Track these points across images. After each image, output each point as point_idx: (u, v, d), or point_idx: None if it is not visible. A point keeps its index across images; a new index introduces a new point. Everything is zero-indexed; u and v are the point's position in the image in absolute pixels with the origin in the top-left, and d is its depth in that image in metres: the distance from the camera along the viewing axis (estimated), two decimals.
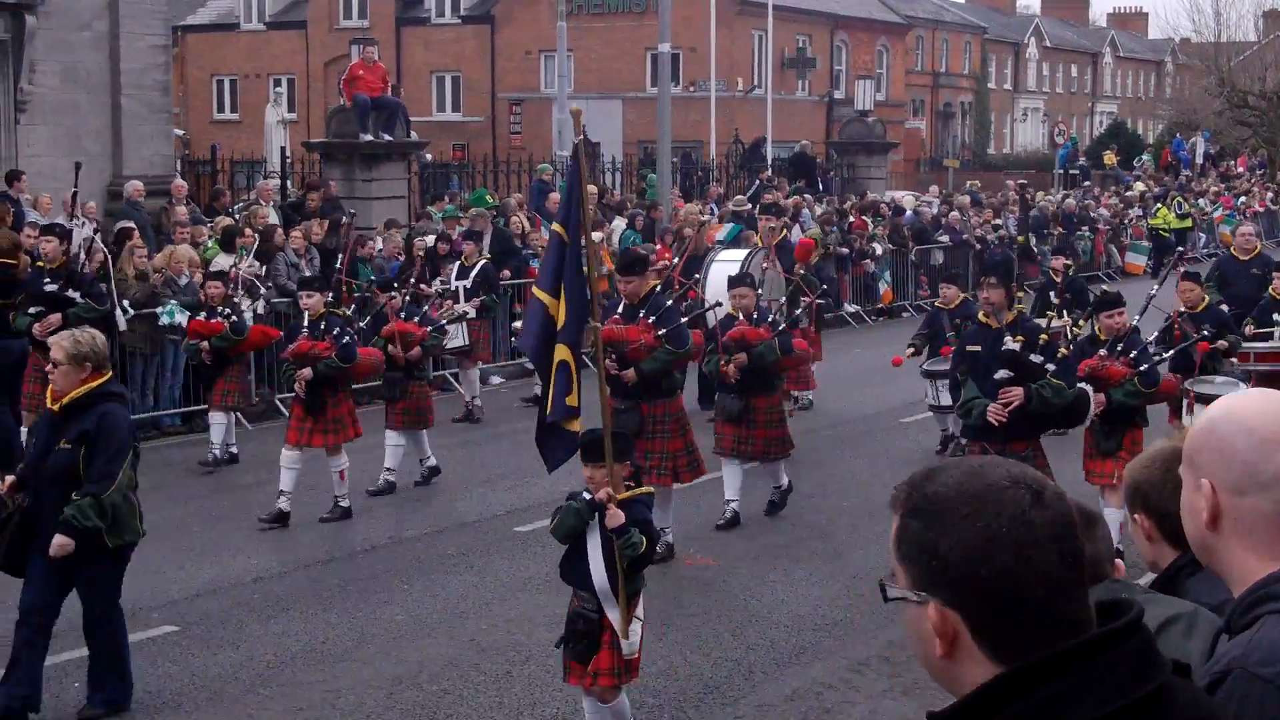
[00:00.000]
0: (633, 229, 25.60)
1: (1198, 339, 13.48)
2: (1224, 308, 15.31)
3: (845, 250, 28.51)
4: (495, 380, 21.29)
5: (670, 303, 12.86)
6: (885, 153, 38.59)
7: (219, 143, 32.38)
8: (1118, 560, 3.87)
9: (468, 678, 9.64)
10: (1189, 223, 40.26)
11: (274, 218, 22.37)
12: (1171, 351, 13.32)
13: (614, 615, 7.97)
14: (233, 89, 59.87)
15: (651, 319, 12.29)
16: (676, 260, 18.69)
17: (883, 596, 2.50)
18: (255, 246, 19.67)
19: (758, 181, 34.62)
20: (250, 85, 57.99)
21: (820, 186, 35.28)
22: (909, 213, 31.79)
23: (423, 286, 18.05)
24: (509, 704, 9.16)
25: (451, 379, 20.61)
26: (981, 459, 2.56)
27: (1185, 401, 12.91)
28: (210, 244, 20.08)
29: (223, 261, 19.20)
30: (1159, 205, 39.95)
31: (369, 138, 25.26)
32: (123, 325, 16.44)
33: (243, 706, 9.16)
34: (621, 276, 12.71)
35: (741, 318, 13.51)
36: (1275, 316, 15.22)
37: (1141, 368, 12.07)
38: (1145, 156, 54.90)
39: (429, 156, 31.39)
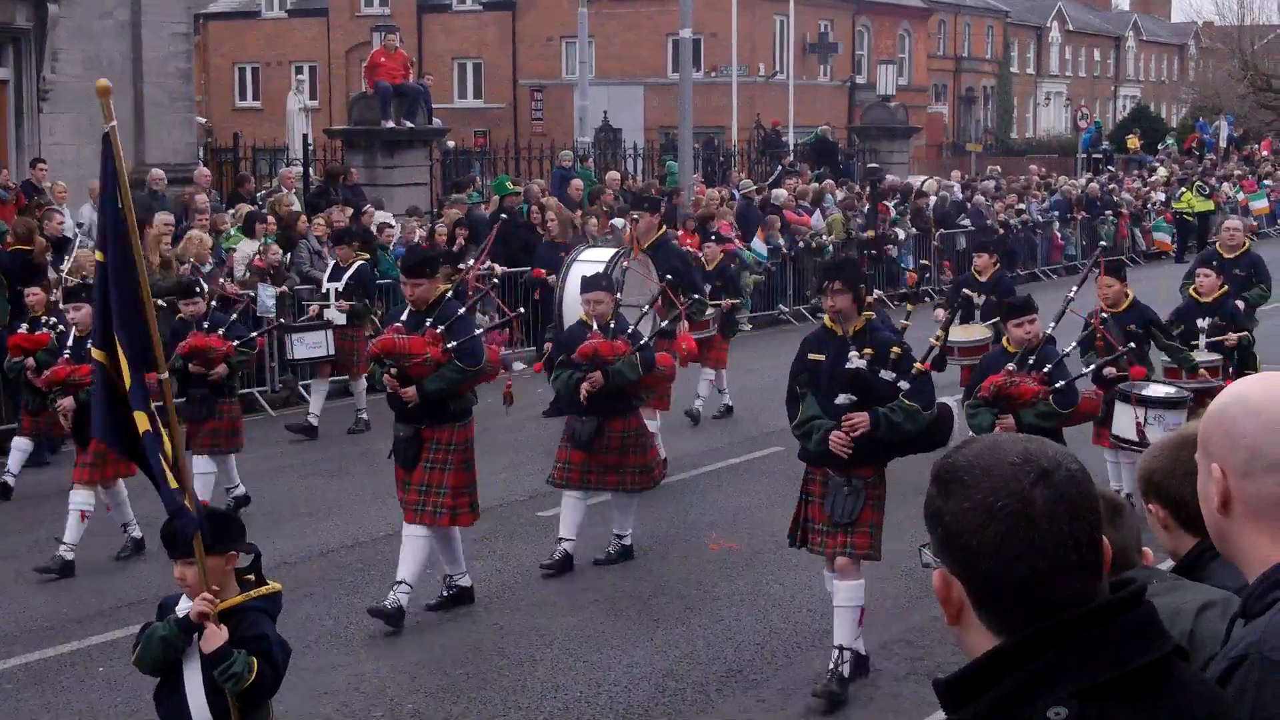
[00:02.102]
0: None
1: (1121, 353, 11.93)
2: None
3: (868, 235, 28.48)
4: (518, 366, 21.27)
5: (464, 310, 10.83)
6: (907, 138, 38.48)
7: (240, 130, 32.43)
8: (1145, 549, 3.87)
9: (491, 662, 9.67)
10: (1211, 205, 40.11)
11: (296, 205, 22.42)
12: (1092, 366, 11.56)
13: None
14: (254, 77, 59.98)
15: (440, 329, 10.46)
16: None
17: (922, 564, 2.60)
18: (274, 233, 19.74)
19: (780, 167, 34.57)
20: (272, 73, 58.10)
21: (842, 172, 35.20)
22: (933, 198, 31.72)
23: (229, 287, 16.92)
24: (532, 688, 9.19)
25: (304, 391, 18.75)
26: (1014, 435, 2.60)
27: (1134, 412, 11.79)
28: (233, 231, 20.15)
29: (246, 248, 19.27)
30: (1183, 189, 39.83)
31: (390, 125, 25.28)
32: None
33: None
34: (406, 279, 10.91)
35: (595, 327, 11.70)
36: (1200, 323, 13.84)
37: (1057, 384, 10.33)
38: (1170, 140, 54.67)
39: (450, 143, 31.39)
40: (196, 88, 29.21)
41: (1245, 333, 14.32)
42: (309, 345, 16.95)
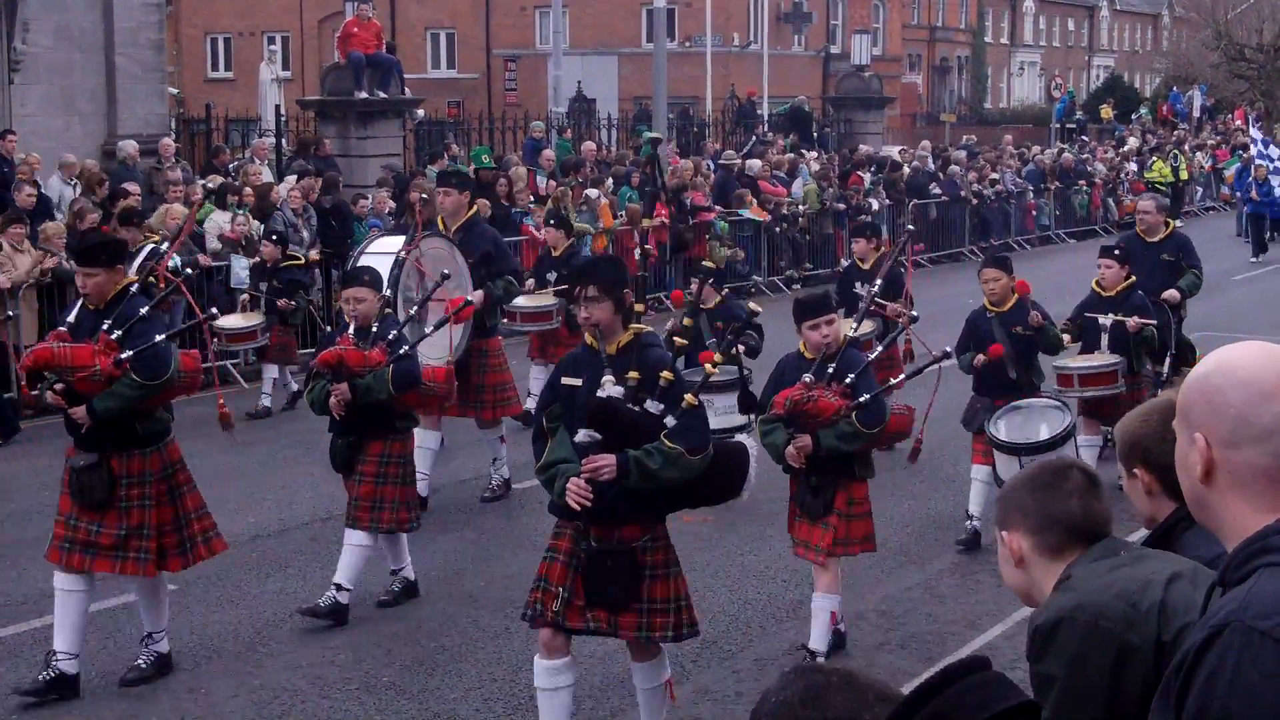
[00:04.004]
0: (629, 186, 25.55)
1: (936, 358, 9.62)
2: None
3: (841, 206, 28.50)
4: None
5: (146, 310, 8.65)
6: (881, 108, 38.46)
7: (213, 101, 32.25)
8: None
9: (466, 634, 9.67)
10: (1186, 175, 40.29)
11: (267, 175, 22.36)
12: (902, 377, 9.95)
13: None
14: (227, 47, 59.57)
15: (116, 334, 8.51)
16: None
17: None
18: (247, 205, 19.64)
19: (754, 138, 34.54)
20: (244, 43, 57.69)
21: (816, 142, 35.20)
22: (906, 169, 31.73)
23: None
24: (507, 659, 9.20)
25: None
26: (835, 682, 2.66)
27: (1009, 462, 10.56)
28: (205, 203, 20.08)
29: (218, 219, 19.21)
30: (1154, 159, 39.96)
31: (364, 95, 25.19)
32: None
33: (242, 664, 9.19)
34: (79, 267, 8.96)
35: (350, 330, 9.94)
36: (1103, 320, 12.50)
37: (861, 398, 8.69)
38: (1143, 110, 54.82)
39: (422, 114, 31.28)
40: (168, 58, 29.05)
41: (1152, 323, 12.50)
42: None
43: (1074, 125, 49.15)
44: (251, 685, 8.85)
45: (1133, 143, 43.31)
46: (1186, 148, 43.05)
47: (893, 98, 44.78)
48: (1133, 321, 12.36)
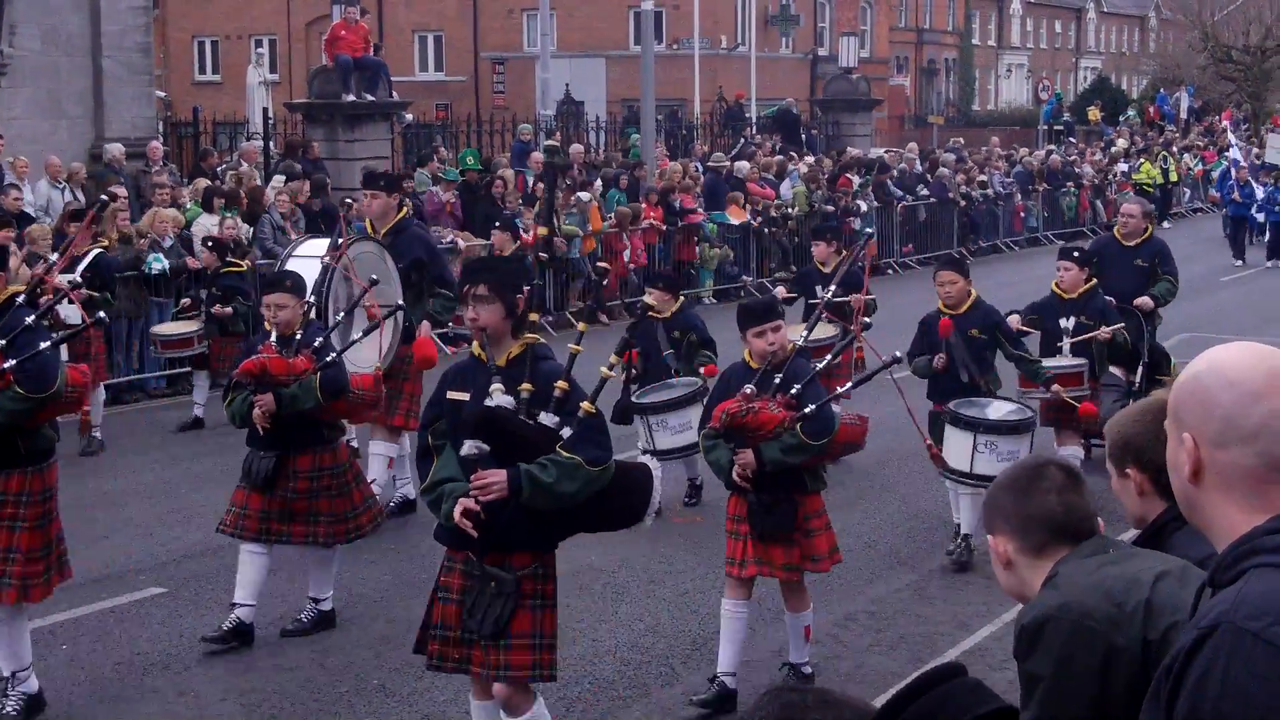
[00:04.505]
0: (617, 188, 25.57)
1: (885, 364, 8.92)
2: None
3: (830, 209, 28.52)
4: None
5: (32, 320, 8.05)
6: (869, 110, 38.53)
7: (200, 104, 32.21)
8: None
9: None
10: (1175, 177, 40.40)
11: (257, 179, 22.35)
12: (849, 385, 9.37)
13: None
14: (214, 50, 59.53)
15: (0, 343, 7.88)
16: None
17: None
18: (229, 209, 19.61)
19: (742, 140, 34.57)
20: (232, 46, 57.67)
21: (804, 144, 35.24)
22: (894, 171, 31.77)
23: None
24: None
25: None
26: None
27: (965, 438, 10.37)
28: (191, 205, 20.06)
29: (205, 222, 19.19)
30: (1142, 160, 40.04)
31: (351, 98, 25.18)
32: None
33: (232, 666, 9.17)
34: None
35: (272, 338, 9.46)
36: (1064, 323, 12.13)
37: (807, 409, 8.13)
38: (1131, 112, 54.94)
39: (410, 117, 31.29)
40: (156, 61, 29.01)
41: (1119, 326, 12.22)
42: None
43: (1061, 127, 49.25)
44: (241, 688, 8.83)
45: (1122, 144, 43.41)
46: (1174, 149, 43.16)
47: (880, 100, 44.81)
48: (1103, 332, 12.03)
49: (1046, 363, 11.89)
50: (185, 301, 16.72)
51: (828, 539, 8.60)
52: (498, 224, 17.26)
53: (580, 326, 7.56)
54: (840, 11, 59.86)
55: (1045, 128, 49.15)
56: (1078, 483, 3.81)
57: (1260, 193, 31.80)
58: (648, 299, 9.86)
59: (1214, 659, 2.59)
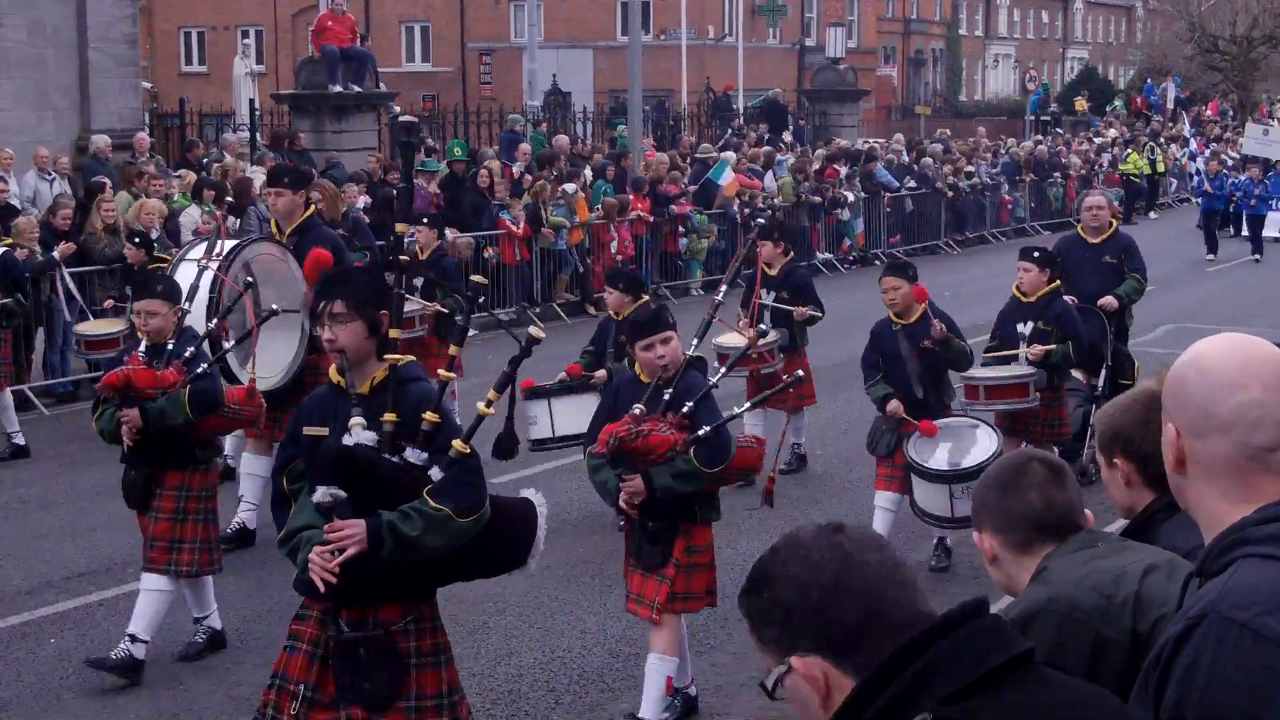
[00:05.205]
0: (603, 179, 25.54)
1: (787, 383, 8.85)
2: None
3: (818, 199, 28.52)
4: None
5: None
6: (856, 100, 38.54)
7: (187, 95, 32.15)
8: (1086, 511, 3.90)
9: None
10: (1161, 168, 40.46)
11: (244, 170, 22.29)
12: (748, 405, 8.81)
13: None
14: (200, 41, 59.40)
15: None
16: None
17: (770, 697, 2.68)
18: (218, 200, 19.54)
19: (729, 130, 34.56)
20: (218, 37, 57.55)
21: (792, 135, 35.24)
22: (879, 165, 31.74)
23: None
24: (486, 653, 9.20)
25: None
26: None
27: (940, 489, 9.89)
28: (179, 197, 20.01)
29: (193, 214, 19.15)
30: (1129, 151, 40.10)
31: (338, 89, 25.15)
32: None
33: (219, 661, 9.16)
34: None
35: (141, 347, 8.77)
36: (1021, 328, 11.52)
37: (701, 431, 7.35)
38: (1117, 103, 54.99)
39: (397, 108, 31.27)
40: (142, 52, 28.95)
41: (1074, 338, 11.49)
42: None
43: (1049, 118, 49.29)
44: (229, 681, 8.82)
45: (1112, 133, 43.47)
46: (1161, 140, 43.23)
47: (868, 90, 44.83)
48: (1034, 350, 11.35)
49: (988, 374, 11.23)
50: (109, 301, 15.82)
51: (706, 578, 7.78)
52: (425, 220, 15.58)
53: (491, 396, 6.00)
54: (827, 1, 59.84)
55: (1032, 118, 49.19)
56: (1061, 478, 3.81)
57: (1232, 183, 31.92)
58: (606, 299, 9.24)
59: (1201, 648, 2.61)
